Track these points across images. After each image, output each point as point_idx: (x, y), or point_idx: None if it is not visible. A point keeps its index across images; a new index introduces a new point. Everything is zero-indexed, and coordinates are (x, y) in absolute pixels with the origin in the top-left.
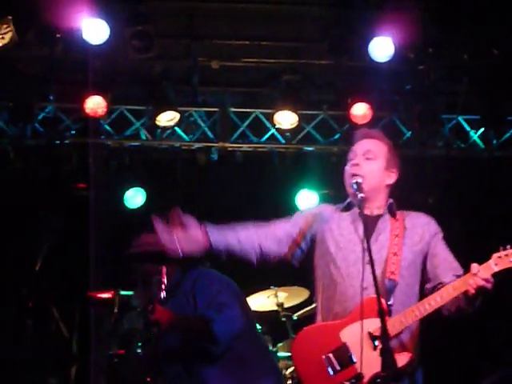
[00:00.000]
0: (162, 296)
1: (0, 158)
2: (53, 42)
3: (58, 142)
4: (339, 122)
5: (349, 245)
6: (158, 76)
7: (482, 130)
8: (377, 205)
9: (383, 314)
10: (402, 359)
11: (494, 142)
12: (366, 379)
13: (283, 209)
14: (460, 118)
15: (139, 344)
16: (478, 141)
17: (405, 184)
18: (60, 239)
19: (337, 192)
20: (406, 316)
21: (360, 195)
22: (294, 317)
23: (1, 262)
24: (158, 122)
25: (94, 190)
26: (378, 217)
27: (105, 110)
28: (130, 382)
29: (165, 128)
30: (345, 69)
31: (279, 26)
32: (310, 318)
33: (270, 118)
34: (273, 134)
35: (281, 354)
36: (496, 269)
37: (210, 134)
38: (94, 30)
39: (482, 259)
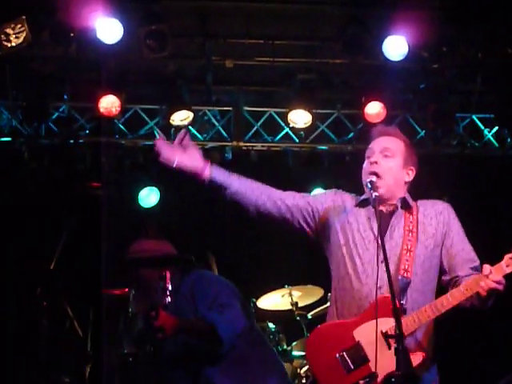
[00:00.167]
0: (167, 301)
1: (14, 157)
2: (67, 41)
3: (72, 141)
4: (353, 121)
5: (364, 242)
6: (172, 75)
7: (496, 128)
8: (393, 201)
9: (398, 313)
10: (415, 359)
11: (508, 140)
12: (379, 378)
13: None
14: (474, 117)
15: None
16: (492, 139)
17: (419, 183)
18: (74, 238)
19: (350, 191)
20: (419, 316)
21: (374, 194)
22: (309, 316)
23: (15, 262)
24: (171, 122)
25: (108, 190)
26: (392, 213)
27: (119, 109)
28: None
29: (179, 127)
30: (359, 68)
31: (293, 24)
32: (324, 317)
33: (284, 117)
34: (287, 133)
35: (295, 353)
36: (508, 270)
37: (223, 133)
38: (108, 29)
39: (496, 258)
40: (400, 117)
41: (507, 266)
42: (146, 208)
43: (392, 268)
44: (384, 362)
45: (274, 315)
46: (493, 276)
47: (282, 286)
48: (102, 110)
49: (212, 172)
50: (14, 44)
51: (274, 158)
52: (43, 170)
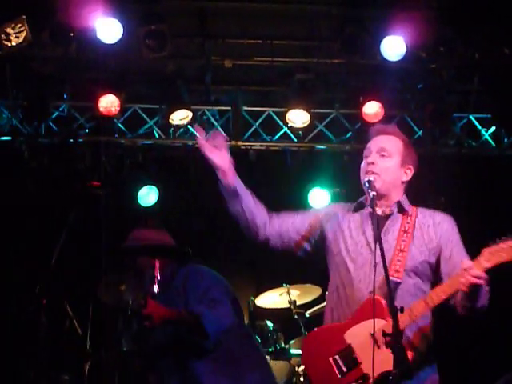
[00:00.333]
0: (155, 290)
1: (14, 156)
2: (67, 41)
3: (71, 140)
4: (351, 121)
5: (356, 247)
6: (172, 75)
7: (493, 128)
8: (390, 203)
9: (395, 312)
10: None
11: (505, 140)
12: (371, 380)
13: (295, 207)
14: (471, 117)
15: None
16: (489, 139)
17: (416, 182)
18: (74, 237)
19: (348, 190)
20: (405, 315)
21: (372, 193)
22: (307, 314)
23: (15, 261)
24: (171, 121)
25: (108, 188)
26: (388, 216)
27: (118, 108)
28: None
29: (178, 126)
30: (357, 68)
31: (291, 24)
32: (322, 316)
33: (282, 116)
34: (285, 133)
35: (293, 351)
36: (487, 265)
37: (222, 132)
38: (108, 29)
39: None
40: (398, 117)
41: (486, 260)
42: (145, 206)
43: (383, 270)
44: (376, 362)
45: (273, 313)
46: (473, 271)
47: (281, 285)
48: (101, 109)
49: (236, 178)
50: (14, 43)
51: (273, 157)
52: (43, 169)
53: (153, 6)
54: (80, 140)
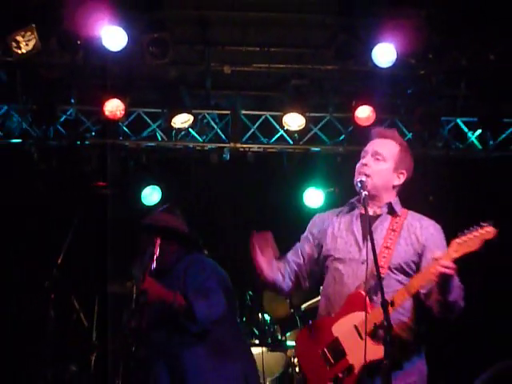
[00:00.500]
0: (153, 267)
1: (24, 158)
2: (74, 48)
3: (78, 142)
4: (344, 124)
5: (346, 246)
6: (174, 81)
7: (480, 131)
8: (381, 204)
9: (386, 306)
10: (376, 352)
11: (491, 142)
12: (356, 370)
13: (291, 206)
14: (458, 120)
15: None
16: (476, 142)
17: (406, 183)
18: (81, 235)
19: (342, 190)
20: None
21: (364, 193)
22: (302, 308)
23: (25, 258)
24: (173, 124)
25: (113, 189)
26: (378, 217)
27: (123, 112)
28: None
29: (179, 129)
30: (349, 74)
31: (288, 33)
32: (316, 309)
33: (278, 120)
34: (282, 136)
35: (289, 342)
36: (455, 255)
37: (222, 135)
38: (113, 37)
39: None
40: (388, 120)
41: (455, 251)
42: (149, 206)
43: (370, 266)
44: (360, 353)
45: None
46: (442, 261)
47: None
48: (107, 113)
49: (272, 271)
50: (24, 51)
51: (270, 158)
52: (51, 171)
53: (156, 15)
54: (87, 142)
